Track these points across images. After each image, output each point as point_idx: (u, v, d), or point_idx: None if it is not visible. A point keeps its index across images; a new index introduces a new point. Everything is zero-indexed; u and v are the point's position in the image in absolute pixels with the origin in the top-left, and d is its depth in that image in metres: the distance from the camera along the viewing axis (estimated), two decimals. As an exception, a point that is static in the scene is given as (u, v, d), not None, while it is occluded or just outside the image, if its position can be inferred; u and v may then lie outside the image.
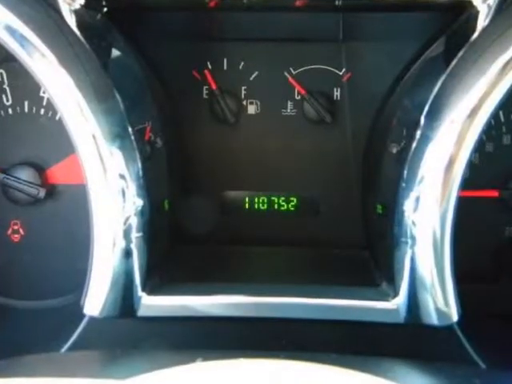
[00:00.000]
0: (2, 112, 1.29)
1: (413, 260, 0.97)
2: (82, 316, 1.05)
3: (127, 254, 0.99)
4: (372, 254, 1.30)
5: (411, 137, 1.01)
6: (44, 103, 1.28)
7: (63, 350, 1.05)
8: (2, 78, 1.29)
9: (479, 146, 1.25)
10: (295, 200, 1.41)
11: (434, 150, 0.95)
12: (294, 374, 0.73)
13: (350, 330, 1.06)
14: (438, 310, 0.98)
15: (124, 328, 1.06)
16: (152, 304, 1.04)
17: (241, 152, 1.41)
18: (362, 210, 1.38)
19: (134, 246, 1.00)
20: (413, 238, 0.97)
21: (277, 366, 0.75)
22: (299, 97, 1.38)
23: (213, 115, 1.38)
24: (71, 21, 1.03)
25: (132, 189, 0.99)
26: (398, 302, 1.01)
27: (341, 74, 1.37)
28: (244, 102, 1.39)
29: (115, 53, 1.14)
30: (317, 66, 1.38)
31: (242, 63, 1.38)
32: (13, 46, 0.95)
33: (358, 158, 1.38)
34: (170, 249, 1.31)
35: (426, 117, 0.99)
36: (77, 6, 1.07)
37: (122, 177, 0.98)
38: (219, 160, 1.40)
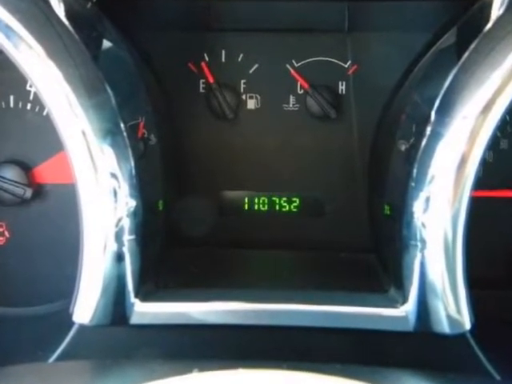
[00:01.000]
0: (-13, 107, 1.29)
1: (423, 264, 0.97)
2: (71, 324, 1.05)
3: (119, 257, 0.99)
4: (379, 258, 1.30)
5: (421, 133, 1.01)
6: (31, 98, 1.28)
7: (51, 360, 1.05)
8: (-14, 71, 1.29)
9: (493, 144, 1.25)
10: (297, 201, 1.41)
11: (446, 148, 0.95)
12: (297, 385, 0.73)
13: (355, 339, 1.06)
14: (449, 317, 0.98)
15: (116, 337, 1.06)
16: (145, 311, 1.04)
17: (240, 149, 1.41)
18: (368, 211, 1.38)
19: (126, 250, 1.00)
20: (422, 241, 0.97)
21: (278, 376, 0.75)
22: (302, 91, 1.38)
23: (210, 110, 1.38)
24: (60, 10, 1.03)
25: (124, 188, 0.99)
26: (407, 309, 1.01)
27: (346, 66, 1.37)
28: (243, 97, 1.39)
29: (106, 44, 1.14)
30: (321, 59, 1.38)
31: (241, 55, 1.38)
32: (-3, 36, 0.95)
33: (365, 155, 1.38)
34: (165, 252, 1.30)
35: (436, 112, 0.99)
36: (65, -6, 1.07)
37: (114, 176, 0.98)
38: (217, 158, 1.40)
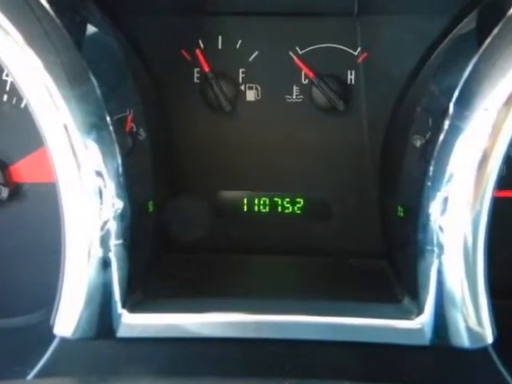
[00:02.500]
0: (-41, 98, 1.29)
1: (440, 271, 0.97)
2: (52, 337, 1.05)
3: (105, 264, 0.99)
4: (392, 265, 1.30)
5: (438, 128, 1.01)
6: (7, 88, 1.28)
7: (30, 376, 1.05)
8: (-41, 59, 1.29)
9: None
10: (301, 201, 1.41)
11: (465, 143, 0.95)
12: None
13: (366, 353, 1.06)
14: (469, 330, 0.98)
15: (101, 351, 1.06)
16: (134, 323, 1.04)
17: (238, 145, 1.40)
18: (379, 213, 1.38)
19: (112, 255, 1.00)
20: (440, 246, 0.97)
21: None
22: (306, 81, 1.38)
23: (206, 102, 1.38)
24: (39, -8, 1.03)
25: (110, 188, 0.99)
26: (423, 321, 1.01)
27: (355, 54, 1.37)
28: (242, 87, 1.39)
29: (91, 29, 1.14)
30: (327, 45, 1.38)
31: (240, 41, 1.38)
32: (-30, 21, 0.95)
33: (376, 152, 1.38)
34: (155, 258, 1.30)
35: (455, 104, 0.99)
36: (46, -26, 1.07)
37: (99, 174, 0.98)
38: (213, 155, 1.40)
